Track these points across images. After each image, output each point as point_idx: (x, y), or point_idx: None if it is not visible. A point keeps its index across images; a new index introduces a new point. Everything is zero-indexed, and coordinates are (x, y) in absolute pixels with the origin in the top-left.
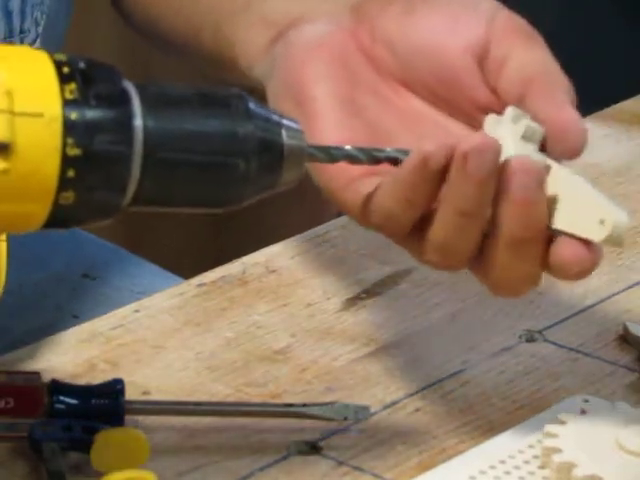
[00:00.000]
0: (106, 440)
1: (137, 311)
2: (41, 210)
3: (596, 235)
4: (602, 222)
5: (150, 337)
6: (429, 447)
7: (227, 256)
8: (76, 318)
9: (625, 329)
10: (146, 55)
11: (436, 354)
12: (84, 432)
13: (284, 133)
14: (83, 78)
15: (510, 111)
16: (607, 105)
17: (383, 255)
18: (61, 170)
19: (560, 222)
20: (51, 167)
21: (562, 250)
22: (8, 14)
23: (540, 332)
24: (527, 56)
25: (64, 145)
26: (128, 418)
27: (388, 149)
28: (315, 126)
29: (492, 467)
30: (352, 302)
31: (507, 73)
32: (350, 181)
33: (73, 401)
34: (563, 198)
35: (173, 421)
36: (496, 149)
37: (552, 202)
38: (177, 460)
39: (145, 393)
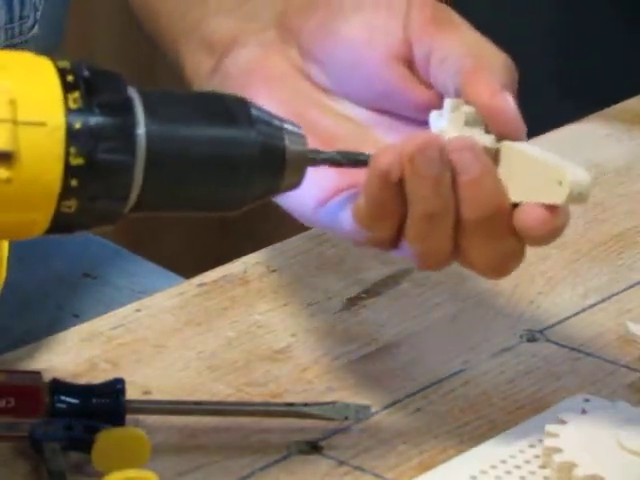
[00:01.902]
0: (107, 440)
1: (138, 310)
2: (43, 218)
3: (557, 197)
4: (560, 183)
5: (151, 337)
6: (430, 447)
7: (228, 255)
8: (77, 317)
9: (626, 329)
10: (149, 46)
11: (437, 354)
12: (85, 432)
13: (286, 138)
14: (87, 86)
15: (448, 102)
16: (608, 105)
17: (384, 255)
18: (64, 179)
19: (520, 194)
20: (54, 176)
21: (524, 216)
22: (9, 1)
23: (541, 332)
24: (448, 45)
25: (67, 154)
26: (129, 418)
27: (370, 153)
28: None
29: (493, 467)
30: (353, 302)
31: (435, 68)
32: (320, 203)
33: (74, 401)
34: (518, 170)
35: (174, 421)
36: (438, 144)
37: (509, 177)
38: (178, 460)
39: (146, 393)
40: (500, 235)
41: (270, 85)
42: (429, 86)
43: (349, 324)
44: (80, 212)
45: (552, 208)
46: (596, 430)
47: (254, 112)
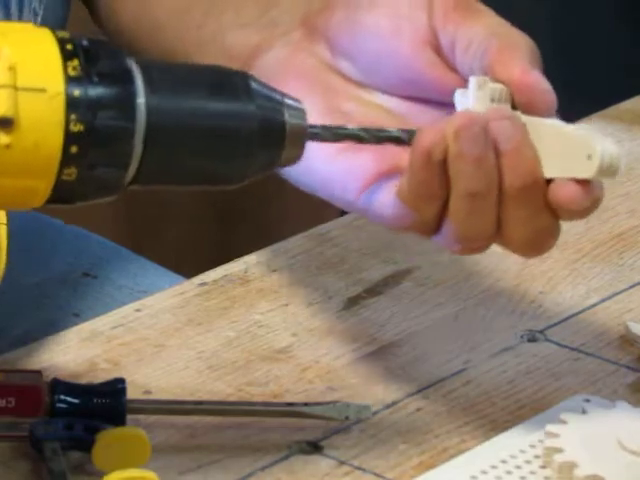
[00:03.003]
0: (107, 439)
1: (138, 310)
2: (44, 186)
3: (588, 171)
4: (590, 157)
5: (151, 336)
6: (431, 446)
7: (229, 255)
8: (77, 317)
9: (627, 329)
10: None
11: (438, 353)
12: (85, 431)
13: (286, 111)
14: (86, 55)
15: (474, 80)
16: (608, 105)
17: (385, 254)
18: (64, 146)
19: (551, 170)
20: (54, 142)
21: (558, 192)
22: (6, 6)
23: (542, 332)
24: (473, 30)
25: (67, 121)
26: (129, 417)
27: (392, 129)
28: (310, 145)
29: (494, 467)
30: (354, 301)
31: (461, 54)
32: (362, 189)
33: (74, 400)
34: (547, 146)
35: (174, 420)
36: (480, 122)
37: (540, 154)
38: (178, 459)
39: (146, 392)
40: (537, 209)
41: (302, 82)
42: (457, 71)
43: (350, 324)
44: (80, 180)
45: (585, 183)
46: (597, 430)
47: (254, 85)
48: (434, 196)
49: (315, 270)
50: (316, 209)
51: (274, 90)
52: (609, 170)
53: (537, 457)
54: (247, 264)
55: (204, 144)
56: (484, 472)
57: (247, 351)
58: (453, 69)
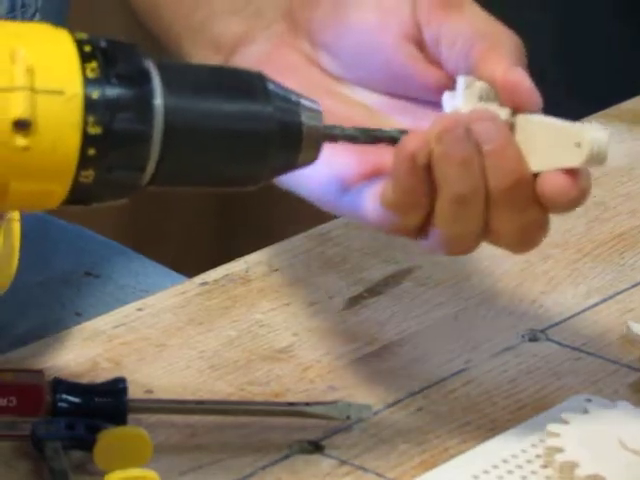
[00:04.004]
0: (109, 439)
1: (140, 310)
2: (61, 188)
3: (577, 159)
4: (579, 145)
5: (153, 336)
6: (431, 446)
7: (230, 255)
8: (79, 316)
9: (628, 328)
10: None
11: (439, 353)
12: (87, 431)
13: (303, 113)
14: (104, 57)
15: (462, 80)
16: (609, 105)
17: (386, 254)
18: (81, 148)
19: (540, 164)
20: (72, 145)
21: (546, 184)
22: None
23: (543, 331)
24: (457, 27)
25: (85, 123)
26: (131, 417)
27: (388, 129)
28: None
29: (495, 466)
30: (355, 301)
31: (446, 51)
32: (343, 191)
33: (76, 399)
34: (535, 140)
35: (176, 420)
36: (464, 123)
37: (526, 148)
38: (180, 459)
39: (148, 392)
40: (525, 205)
41: (282, 76)
42: (440, 67)
43: (351, 323)
44: (98, 183)
45: (573, 173)
46: (598, 430)
47: (271, 87)
48: (419, 202)
49: (316, 270)
50: (317, 209)
51: (290, 91)
52: (598, 157)
53: (538, 457)
54: (248, 264)
55: (222, 146)
56: (485, 472)
57: (248, 351)
58: (437, 65)
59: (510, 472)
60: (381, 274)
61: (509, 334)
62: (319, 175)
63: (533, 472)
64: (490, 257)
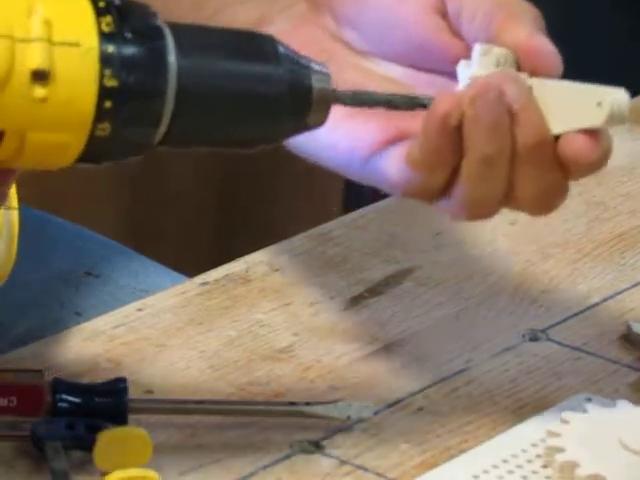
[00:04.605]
0: (109, 439)
1: (140, 310)
2: (77, 141)
3: (598, 119)
4: (599, 104)
5: (153, 336)
6: (432, 446)
7: (230, 254)
8: (79, 316)
9: (628, 328)
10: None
11: (439, 353)
12: (87, 430)
13: (313, 76)
14: (119, 12)
15: (478, 47)
16: None
17: (386, 254)
18: (98, 100)
19: (560, 126)
20: (88, 97)
21: (566, 146)
22: None
23: (543, 331)
24: (478, 2)
25: (101, 75)
26: (131, 417)
27: (419, 95)
28: None
29: (495, 466)
30: (355, 301)
31: (467, 22)
32: (368, 156)
33: (76, 399)
34: (554, 103)
35: (176, 420)
36: (497, 87)
37: (546, 111)
38: (180, 459)
39: (148, 392)
40: (547, 167)
41: (305, 52)
42: (462, 39)
43: (351, 323)
44: (113, 136)
45: (594, 134)
46: (598, 429)
47: (281, 50)
48: (446, 161)
49: (317, 270)
50: (318, 208)
51: (300, 55)
52: (619, 116)
53: (539, 456)
54: (249, 263)
55: (232, 106)
56: (486, 471)
57: (249, 350)
58: (459, 36)
59: (510, 472)
60: (382, 274)
61: (510, 334)
62: (342, 145)
63: (533, 472)
64: (490, 257)
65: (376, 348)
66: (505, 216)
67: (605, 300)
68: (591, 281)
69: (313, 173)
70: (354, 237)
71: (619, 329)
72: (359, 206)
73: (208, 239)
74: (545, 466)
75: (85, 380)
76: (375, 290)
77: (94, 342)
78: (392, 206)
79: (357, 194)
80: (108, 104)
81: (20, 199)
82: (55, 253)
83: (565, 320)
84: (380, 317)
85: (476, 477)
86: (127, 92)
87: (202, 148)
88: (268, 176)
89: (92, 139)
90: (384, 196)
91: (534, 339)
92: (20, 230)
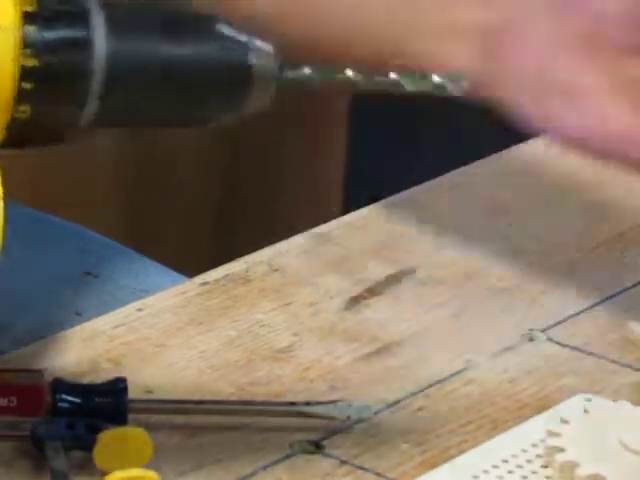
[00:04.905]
0: (109, 439)
1: (140, 310)
2: None
3: None
4: None
5: (153, 336)
6: (432, 446)
7: (230, 254)
8: (79, 316)
9: (628, 328)
10: None
11: (439, 353)
12: (87, 431)
13: (252, 54)
14: None
15: None
16: None
17: (386, 254)
18: (18, 81)
19: None
20: (7, 77)
21: None
22: None
23: (543, 331)
24: None
25: (20, 56)
26: (131, 417)
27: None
28: None
29: (495, 466)
30: (355, 301)
31: None
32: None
33: (76, 400)
34: None
35: (176, 420)
36: None
37: None
38: (180, 459)
39: (148, 392)
40: None
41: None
42: None
43: (351, 323)
44: (34, 118)
45: None
46: (598, 430)
47: (219, 27)
48: None
49: (316, 270)
50: (318, 208)
51: (241, 33)
52: None
53: (539, 456)
54: (248, 263)
55: (166, 86)
56: (486, 471)
57: (249, 351)
58: None
59: (510, 472)
60: (381, 274)
61: (509, 334)
62: None
63: (533, 472)
64: (490, 257)
65: (376, 348)
66: (505, 216)
67: (605, 300)
68: (591, 281)
69: (314, 173)
70: (354, 237)
71: (619, 329)
72: (359, 206)
73: (208, 239)
74: (545, 466)
75: (85, 380)
76: (375, 290)
77: (94, 342)
78: (392, 206)
79: (357, 194)
80: (28, 85)
81: (20, 199)
82: (55, 253)
83: (565, 320)
84: (380, 317)
85: (476, 477)
86: (48, 73)
87: (135, 127)
88: (268, 176)
89: (12, 122)
90: (384, 196)
91: (534, 339)
92: (19, 230)
